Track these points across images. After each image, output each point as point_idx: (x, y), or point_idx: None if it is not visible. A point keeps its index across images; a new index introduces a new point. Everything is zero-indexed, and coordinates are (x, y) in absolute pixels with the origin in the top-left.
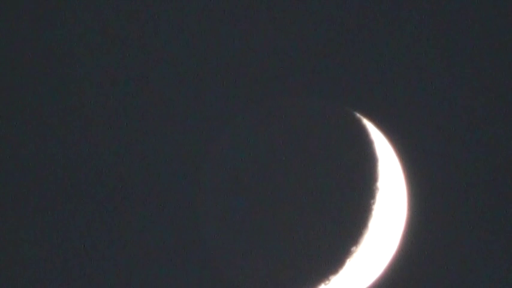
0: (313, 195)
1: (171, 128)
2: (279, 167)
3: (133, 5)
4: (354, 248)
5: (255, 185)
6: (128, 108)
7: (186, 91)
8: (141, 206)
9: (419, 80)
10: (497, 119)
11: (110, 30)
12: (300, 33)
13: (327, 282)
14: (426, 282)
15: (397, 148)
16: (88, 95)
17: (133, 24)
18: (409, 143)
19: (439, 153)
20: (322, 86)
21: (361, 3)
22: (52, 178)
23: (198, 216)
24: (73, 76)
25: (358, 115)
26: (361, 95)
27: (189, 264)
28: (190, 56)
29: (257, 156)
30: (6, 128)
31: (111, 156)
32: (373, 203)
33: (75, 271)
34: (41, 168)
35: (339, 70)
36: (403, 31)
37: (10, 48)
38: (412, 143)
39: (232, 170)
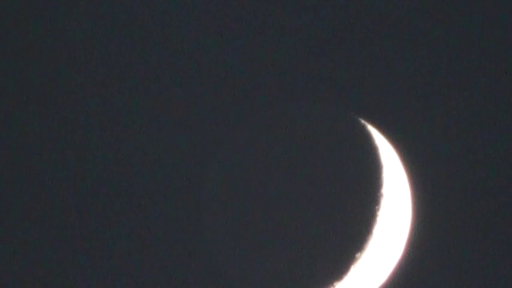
0: (317, 201)
1: (176, 131)
2: (283, 172)
3: (139, 8)
4: (358, 254)
5: (259, 190)
6: (131, 110)
7: (192, 95)
8: (144, 207)
9: (424, 86)
10: (503, 126)
11: (116, 34)
12: (304, 39)
13: None
14: None
15: (401, 154)
16: (94, 98)
17: (138, 26)
18: (414, 149)
19: (443, 159)
20: (326, 92)
21: (370, 9)
22: (55, 179)
23: (201, 220)
24: (80, 84)
25: (362, 121)
26: (366, 101)
27: (192, 268)
28: (196, 60)
29: (261, 161)
30: (6, 128)
31: (114, 157)
32: (378, 209)
33: (77, 270)
34: (44, 168)
35: (343, 76)
36: (408, 38)
37: (10, 48)
38: (416, 149)
39: (236, 174)
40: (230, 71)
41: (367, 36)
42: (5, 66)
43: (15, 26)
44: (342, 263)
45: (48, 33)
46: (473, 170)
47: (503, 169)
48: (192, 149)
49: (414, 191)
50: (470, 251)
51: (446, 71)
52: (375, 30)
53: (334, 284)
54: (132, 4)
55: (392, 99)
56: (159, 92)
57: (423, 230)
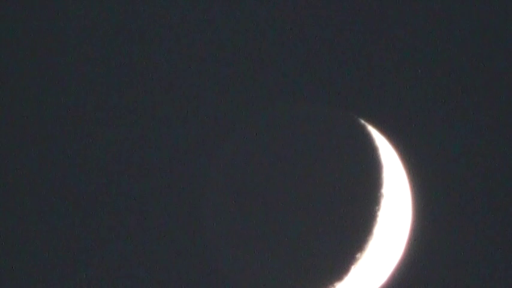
0: (317, 201)
1: (177, 131)
2: (283, 172)
3: (139, 7)
4: (358, 255)
5: (259, 190)
6: (132, 110)
7: (192, 96)
8: (144, 208)
9: (424, 86)
10: (503, 126)
11: (116, 34)
12: (305, 39)
13: None
14: None
15: (401, 154)
16: (94, 99)
17: (139, 26)
18: (414, 149)
19: (443, 159)
20: (326, 92)
21: (370, 11)
22: (56, 179)
23: (202, 221)
24: (83, 85)
25: (362, 121)
26: (366, 101)
27: (192, 267)
28: (196, 60)
29: (262, 161)
30: (6, 128)
31: (115, 157)
32: (378, 210)
33: (77, 270)
34: (44, 168)
35: (343, 76)
36: (408, 38)
37: (10, 47)
38: (416, 150)
39: (236, 175)
40: (231, 71)
41: (367, 36)
42: (5, 66)
43: (15, 25)
44: (342, 263)
45: (48, 32)
46: (473, 170)
47: (503, 169)
48: (192, 149)
49: (414, 191)
50: (470, 251)
51: (446, 71)
52: (374, 30)
53: (334, 284)
54: (132, 3)
55: (392, 99)
56: (160, 92)
57: (423, 230)
